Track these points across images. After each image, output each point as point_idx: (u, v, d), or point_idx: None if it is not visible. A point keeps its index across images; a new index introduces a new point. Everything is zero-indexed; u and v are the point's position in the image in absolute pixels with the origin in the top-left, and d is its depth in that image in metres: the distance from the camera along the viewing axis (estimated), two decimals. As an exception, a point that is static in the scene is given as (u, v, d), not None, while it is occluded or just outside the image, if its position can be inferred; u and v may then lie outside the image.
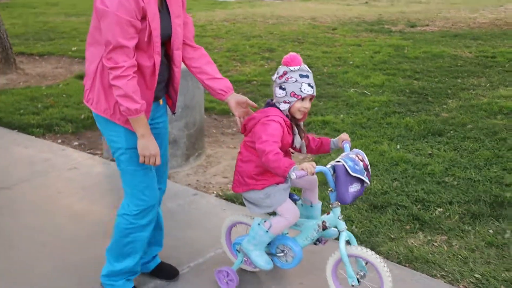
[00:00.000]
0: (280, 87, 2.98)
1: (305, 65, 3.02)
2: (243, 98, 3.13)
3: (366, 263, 3.08)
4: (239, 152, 3.18)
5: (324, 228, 3.09)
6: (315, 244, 3.24)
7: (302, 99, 2.97)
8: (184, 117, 5.25)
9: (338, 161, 2.90)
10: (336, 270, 3.13)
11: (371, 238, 3.88)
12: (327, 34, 12.69)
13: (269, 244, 3.23)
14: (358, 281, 3.00)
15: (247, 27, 14.00)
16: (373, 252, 2.97)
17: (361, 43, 11.35)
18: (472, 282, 3.38)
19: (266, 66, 9.49)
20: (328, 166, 2.92)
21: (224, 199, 4.60)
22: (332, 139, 3.23)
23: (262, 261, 3.17)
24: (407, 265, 3.59)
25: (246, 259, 3.34)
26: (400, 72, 8.80)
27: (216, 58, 10.10)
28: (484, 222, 4.09)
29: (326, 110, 6.96)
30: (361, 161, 2.97)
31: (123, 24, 2.62)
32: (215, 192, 4.77)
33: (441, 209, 4.27)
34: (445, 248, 3.77)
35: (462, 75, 8.51)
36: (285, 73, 2.97)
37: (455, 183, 4.73)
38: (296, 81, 2.95)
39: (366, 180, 2.95)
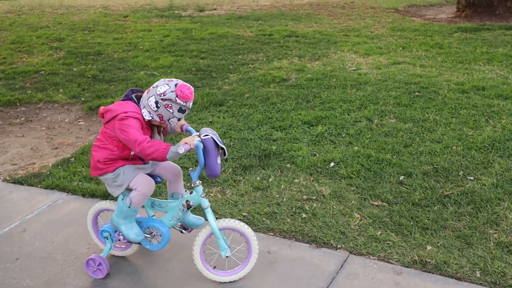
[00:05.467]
0: (156, 103, 3.04)
1: (192, 100, 3.05)
2: None
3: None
4: (97, 138, 3.24)
5: (189, 207, 3.25)
6: (181, 232, 3.40)
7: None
8: (-39, 108, 5.12)
9: (206, 135, 3.06)
10: (204, 248, 3.27)
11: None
12: (119, 22, 12.80)
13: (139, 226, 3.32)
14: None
15: (34, 18, 13.49)
16: (242, 223, 3.21)
17: (151, 29, 11.68)
18: (240, 219, 3.95)
19: (54, 56, 9.36)
20: (196, 141, 3.05)
21: (12, 182, 4.64)
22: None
23: (132, 233, 3.25)
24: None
25: (119, 238, 3.36)
26: (188, 53, 9.33)
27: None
28: (253, 171, 4.72)
29: (116, 93, 7.18)
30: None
31: None
32: (1, 177, 4.77)
33: (218, 166, 4.82)
34: (220, 196, 4.31)
35: (243, 52, 9.31)
36: (168, 100, 3.00)
37: (231, 143, 5.33)
38: (172, 112, 3.04)
39: (226, 151, 3.14)
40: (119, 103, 3.14)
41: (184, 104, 3.02)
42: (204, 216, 3.57)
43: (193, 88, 3.09)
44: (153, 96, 3.04)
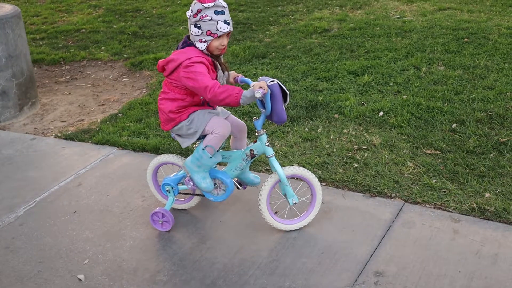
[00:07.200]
0: (196, 26, 2.95)
1: (221, 0, 2.95)
2: None
3: None
4: (162, 91, 3.17)
5: (252, 156, 3.19)
6: (237, 188, 3.36)
7: (219, 37, 2.98)
8: (10, 67, 5.18)
9: (272, 81, 2.98)
10: (270, 197, 3.23)
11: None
12: (154, -22, 12.66)
13: None
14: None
15: (70, -23, 13.46)
16: (307, 170, 3.21)
17: (187, -17, 11.53)
18: (291, 170, 3.93)
19: (94, 14, 9.36)
20: None
21: (63, 138, 4.72)
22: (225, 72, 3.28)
23: (204, 182, 3.20)
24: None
25: (188, 181, 3.28)
26: (226, 6, 9.18)
27: (40, 10, 9.74)
28: (301, 123, 4.67)
29: (157, 48, 7.16)
30: None
31: None
32: (53, 134, 4.86)
33: (265, 118, 4.79)
34: (269, 148, 4.29)
35: (282, 3, 9.10)
36: (199, 11, 2.91)
37: (277, 95, 5.26)
38: (211, 19, 2.90)
39: (288, 97, 3.08)
40: (179, 51, 3.06)
41: (213, 4, 2.90)
42: (269, 165, 3.43)
43: None
44: (190, 24, 2.99)
